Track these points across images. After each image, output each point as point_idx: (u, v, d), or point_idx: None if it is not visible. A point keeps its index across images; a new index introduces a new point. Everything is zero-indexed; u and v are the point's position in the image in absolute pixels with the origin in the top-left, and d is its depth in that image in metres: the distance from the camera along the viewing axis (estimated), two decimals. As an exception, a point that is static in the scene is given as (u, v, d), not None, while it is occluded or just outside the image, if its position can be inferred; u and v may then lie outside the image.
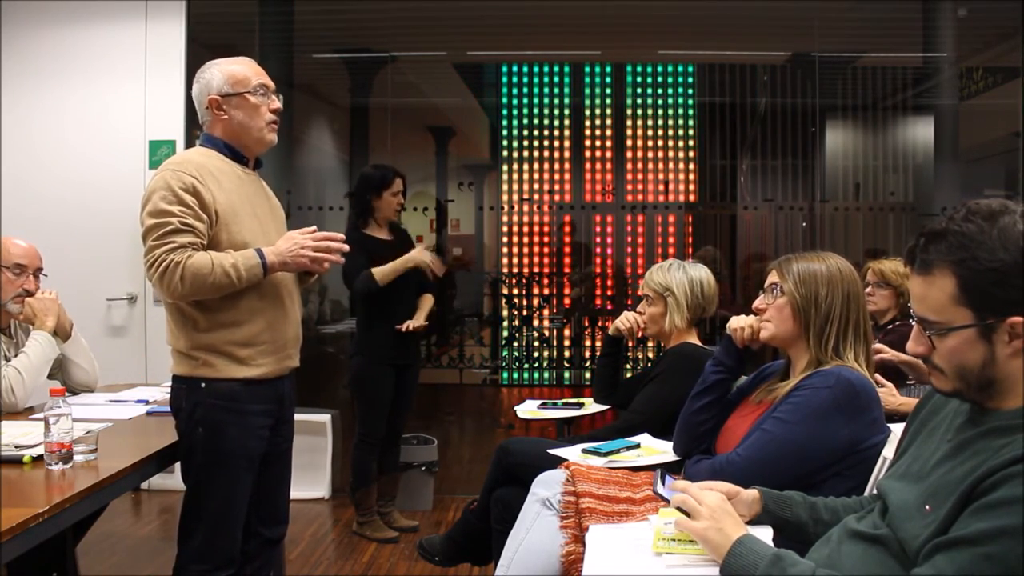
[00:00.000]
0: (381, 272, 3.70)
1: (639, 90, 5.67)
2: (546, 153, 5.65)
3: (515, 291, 5.69)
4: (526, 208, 5.67)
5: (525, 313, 5.62)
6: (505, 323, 5.66)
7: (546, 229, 5.67)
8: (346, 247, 2.36)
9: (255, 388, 2.29)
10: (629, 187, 5.62)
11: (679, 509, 1.56)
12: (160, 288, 2.20)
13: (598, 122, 5.68)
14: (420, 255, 3.78)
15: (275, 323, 2.32)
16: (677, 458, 2.30)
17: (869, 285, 3.36)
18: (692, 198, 5.64)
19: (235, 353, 2.26)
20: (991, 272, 1.25)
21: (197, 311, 2.25)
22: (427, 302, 3.93)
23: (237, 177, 2.33)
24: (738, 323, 2.18)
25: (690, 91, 5.67)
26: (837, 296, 2.05)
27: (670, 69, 5.64)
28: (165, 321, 2.34)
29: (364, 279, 3.69)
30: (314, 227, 2.35)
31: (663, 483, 1.75)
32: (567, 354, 5.67)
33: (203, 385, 2.25)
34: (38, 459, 2.10)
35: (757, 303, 2.15)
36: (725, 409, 2.24)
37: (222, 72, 2.33)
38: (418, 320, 3.84)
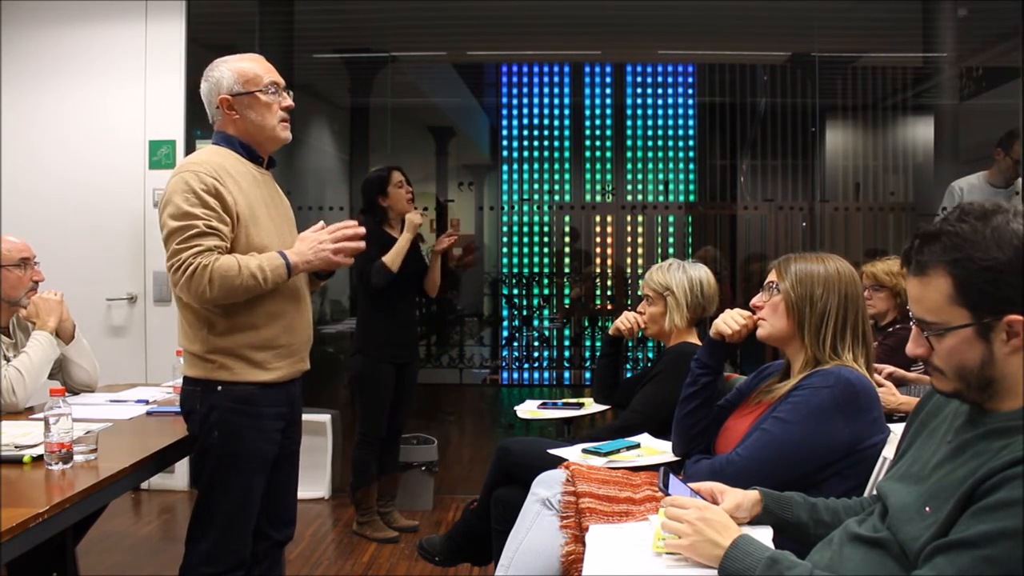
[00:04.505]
0: (390, 258, 3.73)
1: (639, 90, 5.67)
2: (546, 153, 5.65)
3: (515, 291, 5.69)
4: (526, 208, 5.67)
5: (525, 313, 5.63)
6: (505, 323, 5.67)
7: (546, 229, 5.67)
8: (362, 229, 2.34)
9: (270, 391, 2.28)
10: (629, 187, 5.62)
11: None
12: (187, 292, 2.16)
13: (598, 122, 5.68)
14: (412, 220, 3.81)
15: (291, 327, 2.32)
16: (677, 458, 2.30)
17: (866, 289, 3.35)
18: (692, 198, 5.64)
19: (252, 357, 2.24)
20: (986, 271, 1.26)
21: (215, 314, 2.22)
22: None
23: (253, 178, 2.32)
24: (729, 326, 2.18)
25: (690, 91, 5.67)
26: (833, 297, 2.05)
27: (670, 69, 5.64)
28: (177, 323, 2.32)
29: (378, 271, 3.72)
30: (321, 223, 2.34)
31: (666, 483, 1.75)
32: (567, 354, 5.67)
33: (219, 388, 2.23)
34: (38, 459, 2.10)
35: (754, 300, 2.17)
36: (718, 409, 2.25)
37: (232, 71, 2.30)
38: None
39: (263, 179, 2.37)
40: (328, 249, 2.26)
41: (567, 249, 5.64)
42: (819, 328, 2.05)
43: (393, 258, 3.72)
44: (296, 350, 2.35)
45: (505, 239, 5.68)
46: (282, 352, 2.30)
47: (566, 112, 5.66)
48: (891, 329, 3.30)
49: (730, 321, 2.18)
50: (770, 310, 2.11)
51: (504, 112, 5.69)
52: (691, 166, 5.63)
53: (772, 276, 2.14)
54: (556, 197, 5.66)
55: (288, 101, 2.36)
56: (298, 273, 2.27)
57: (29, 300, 2.86)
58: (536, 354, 5.63)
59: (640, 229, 5.53)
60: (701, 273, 2.94)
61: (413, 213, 3.84)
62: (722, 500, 1.68)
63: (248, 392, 2.24)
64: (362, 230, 2.34)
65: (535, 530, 2.11)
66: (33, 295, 2.87)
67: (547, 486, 2.17)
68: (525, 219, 5.67)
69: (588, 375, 5.54)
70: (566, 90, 5.68)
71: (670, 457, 2.31)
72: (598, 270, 5.65)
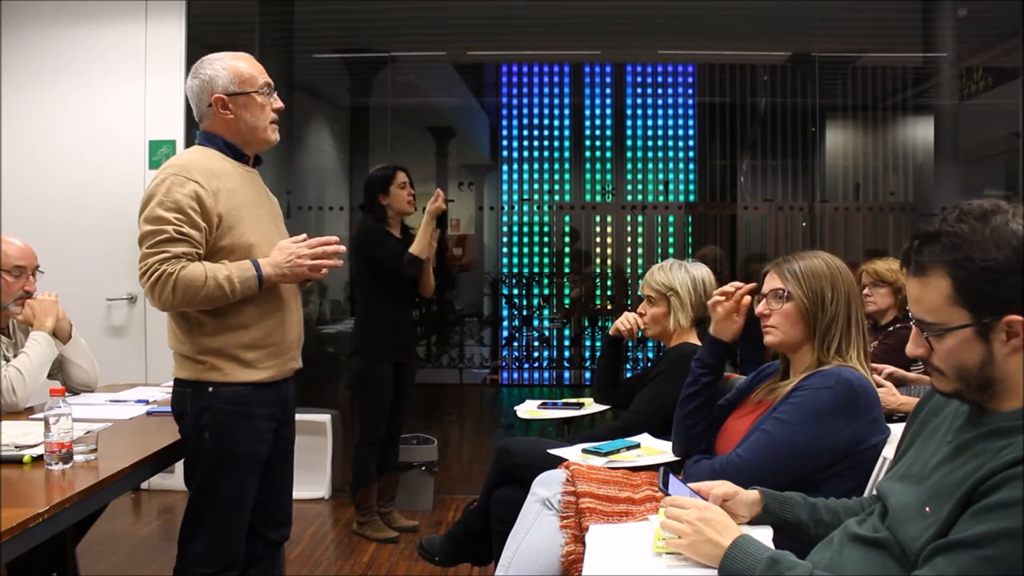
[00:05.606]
0: (417, 247, 3.75)
1: (639, 90, 5.67)
2: (546, 153, 5.66)
3: (515, 291, 5.69)
4: (526, 208, 5.67)
5: (525, 313, 5.63)
6: (505, 323, 5.67)
7: (546, 229, 5.68)
8: (342, 248, 2.33)
9: (262, 391, 2.28)
10: (629, 187, 5.62)
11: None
12: (151, 297, 2.17)
13: (598, 122, 5.69)
14: (432, 207, 3.76)
15: (281, 325, 2.31)
16: (677, 458, 2.30)
17: (865, 287, 3.35)
18: (692, 198, 5.64)
19: (242, 356, 2.24)
20: (985, 271, 1.26)
21: (203, 314, 2.22)
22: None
23: (239, 176, 2.30)
24: (730, 332, 2.20)
25: (690, 91, 5.68)
26: (841, 296, 2.05)
27: (670, 69, 5.65)
28: (167, 324, 2.31)
29: (411, 262, 3.74)
30: (304, 235, 2.32)
31: (666, 483, 1.75)
32: (567, 354, 5.68)
33: (210, 389, 2.22)
34: (38, 459, 2.10)
35: (760, 309, 2.13)
36: (718, 409, 2.25)
37: (227, 70, 2.27)
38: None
39: (249, 177, 2.35)
40: (305, 264, 2.25)
41: (567, 249, 5.65)
42: (828, 329, 2.04)
43: (420, 248, 3.75)
44: (287, 348, 2.33)
45: (505, 239, 5.68)
46: (273, 351, 2.29)
47: (566, 112, 5.67)
48: (891, 329, 3.30)
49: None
50: (782, 318, 2.08)
51: (504, 112, 5.70)
52: (691, 166, 5.64)
53: (776, 283, 2.09)
54: (556, 197, 5.66)
55: (279, 103, 2.35)
56: (270, 283, 2.24)
57: (19, 307, 2.85)
58: (536, 354, 5.63)
59: (640, 229, 5.54)
60: (702, 272, 2.94)
61: (436, 204, 3.77)
62: (719, 491, 1.68)
63: (239, 392, 2.23)
64: (342, 248, 2.33)
65: (535, 530, 2.11)
66: (21, 303, 2.85)
67: (547, 486, 2.17)
68: (525, 219, 5.67)
69: (588, 375, 5.54)
70: (566, 90, 5.68)
71: (670, 457, 2.31)
72: (598, 270, 5.65)
